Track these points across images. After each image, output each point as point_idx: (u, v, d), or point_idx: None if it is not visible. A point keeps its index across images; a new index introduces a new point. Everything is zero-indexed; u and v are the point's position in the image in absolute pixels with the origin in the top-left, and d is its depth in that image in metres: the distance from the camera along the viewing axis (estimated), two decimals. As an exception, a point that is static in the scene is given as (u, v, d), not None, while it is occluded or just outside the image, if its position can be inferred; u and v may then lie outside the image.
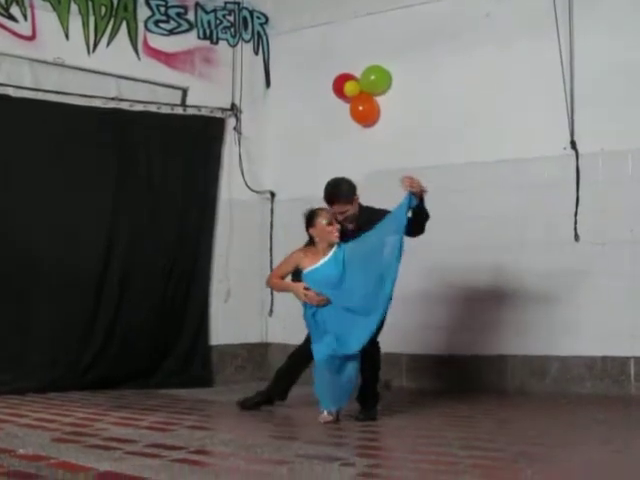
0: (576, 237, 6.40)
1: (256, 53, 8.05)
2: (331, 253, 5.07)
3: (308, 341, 5.25)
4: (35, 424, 4.83)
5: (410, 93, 7.24)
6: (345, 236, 5.15)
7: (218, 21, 7.77)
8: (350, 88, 7.31)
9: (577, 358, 6.37)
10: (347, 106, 7.45)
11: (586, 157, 6.40)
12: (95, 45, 7.03)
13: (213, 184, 7.63)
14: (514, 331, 6.59)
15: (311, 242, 5.20)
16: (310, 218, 5.13)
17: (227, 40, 7.82)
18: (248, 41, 7.97)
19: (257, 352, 7.87)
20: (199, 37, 7.67)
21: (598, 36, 6.34)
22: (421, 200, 5.07)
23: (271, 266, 7.51)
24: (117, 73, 7.15)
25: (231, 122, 7.78)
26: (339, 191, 5.28)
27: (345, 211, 5.25)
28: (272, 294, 7.63)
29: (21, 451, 3.87)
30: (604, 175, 6.35)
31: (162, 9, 7.43)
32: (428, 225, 5.30)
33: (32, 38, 6.69)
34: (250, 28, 7.99)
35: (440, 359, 6.91)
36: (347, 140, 7.45)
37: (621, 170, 6.29)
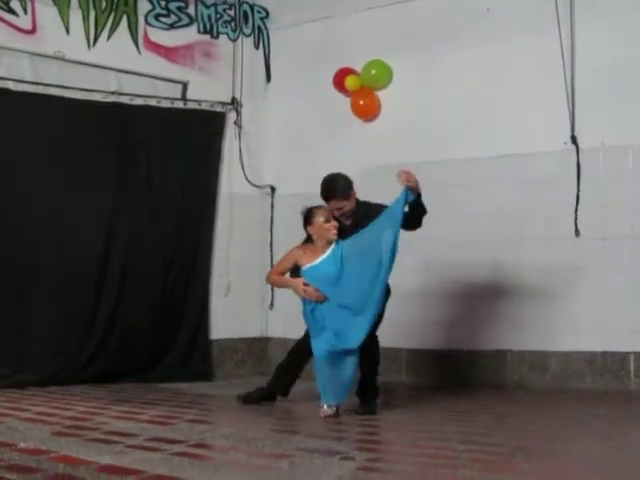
0: (576, 232, 6.40)
1: (256, 47, 8.04)
2: (329, 251, 5.08)
3: (307, 336, 5.25)
4: (36, 418, 4.84)
5: (411, 87, 7.23)
6: (343, 232, 5.14)
7: (218, 15, 7.76)
8: (351, 82, 7.30)
9: (577, 353, 6.37)
10: (348, 101, 7.45)
11: (587, 152, 6.40)
12: (95, 39, 7.02)
13: (213, 178, 7.63)
14: (514, 326, 6.60)
15: (309, 239, 5.21)
16: (308, 217, 5.14)
17: (227, 34, 7.82)
18: (248, 35, 7.96)
19: (257, 346, 7.88)
20: (199, 31, 7.66)
21: (599, 30, 6.33)
22: (418, 195, 5.07)
23: (271, 261, 7.52)
24: (117, 67, 7.15)
25: (231, 116, 7.78)
26: (335, 187, 5.27)
27: (342, 207, 5.25)
28: (272, 289, 7.63)
29: (22, 445, 3.88)
30: (605, 170, 6.35)
31: (162, 3, 7.42)
32: (427, 220, 5.29)
33: (32, 32, 6.68)
34: (250, 22, 7.98)
35: (439, 354, 6.92)
36: (348, 135, 7.45)
37: (622, 165, 6.28)
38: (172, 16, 7.50)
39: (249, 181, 7.82)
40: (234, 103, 7.77)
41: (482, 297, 6.75)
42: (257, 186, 7.92)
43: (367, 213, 5.18)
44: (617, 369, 6.21)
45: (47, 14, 6.74)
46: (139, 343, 7.00)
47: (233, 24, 7.84)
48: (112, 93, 7.08)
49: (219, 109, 7.69)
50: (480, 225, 6.70)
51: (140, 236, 7.11)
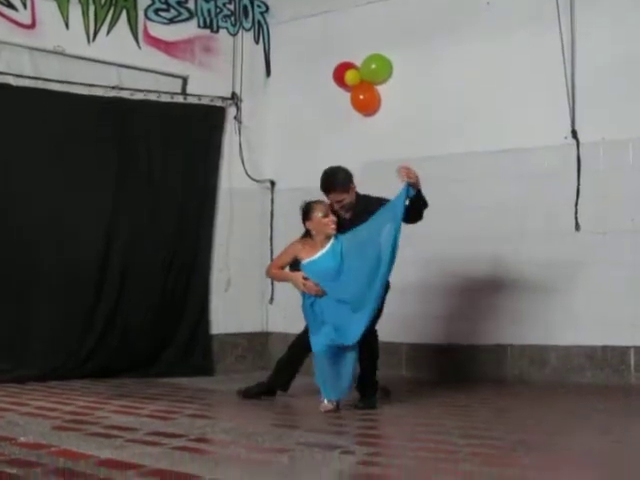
0: (577, 226, 6.39)
1: (256, 42, 8.03)
2: (329, 245, 5.08)
3: (307, 331, 5.26)
4: (36, 412, 4.84)
5: (411, 82, 7.22)
6: (342, 226, 5.15)
7: (218, 9, 7.75)
8: (351, 77, 7.29)
9: (577, 347, 6.37)
10: (348, 95, 7.44)
11: (587, 146, 6.39)
12: (95, 34, 7.01)
13: (213, 173, 7.62)
14: (514, 321, 6.60)
15: (308, 234, 5.21)
16: (306, 211, 5.14)
17: (227, 29, 7.80)
18: (248, 30, 7.95)
19: (257, 341, 7.88)
20: (199, 26, 7.65)
21: (600, 26, 6.32)
22: (418, 190, 5.06)
23: (271, 255, 7.52)
24: (117, 62, 7.14)
25: (231, 111, 7.77)
26: (335, 180, 5.27)
27: (341, 200, 5.25)
28: (272, 283, 7.64)
29: (22, 439, 3.88)
30: (605, 164, 6.34)
31: (162, -3, 7.42)
32: (427, 215, 5.29)
33: (32, 27, 6.67)
34: (250, 17, 7.97)
35: (439, 349, 6.92)
36: (348, 129, 7.44)
37: (622, 159, 6.28)
38: (172, 10, 7.49)
39: (249, 176, 7.82)
40: (234, 98, 7.76)
41: (482, 291, 6.75)
42: (257, 181, 7.92)
43: (367, 206, 5.18)
44: (617, 363, 6.21)
45: (47, 9, 6.73)
46: (139, 338, 7.00)
47: (233, 18, 7.83)
48: (112, 88, 7.07)
49: (219, 104, 7.68)
50: (480, 219, 6.70)
51: (140, 231, 7.11)
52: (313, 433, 4.28)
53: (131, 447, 3.75)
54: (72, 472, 3.25)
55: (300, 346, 5.47)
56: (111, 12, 7.11)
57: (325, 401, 5.08)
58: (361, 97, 7.39)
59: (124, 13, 7.17)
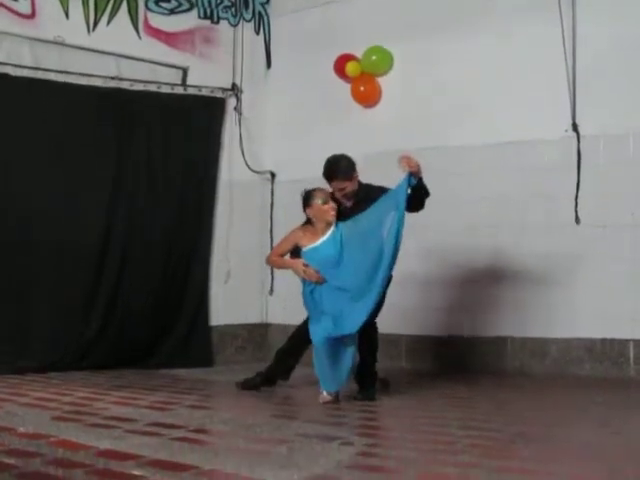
0: (577, 220, 6.39)
1: (257, 33, 8.02)
2: (329, 233, 5.08)
3: (307, 322, 5.26)
4: (35, 403, 4.85)
5: (411, 74, 7.21)
6: (343, 214, 5.15)
7: (219, 0, 7.73)
8: (351, 68, 7.28)
9: (577, 340, 6.38)
10: (348, 87, 7.43)
11: (587, 139, 6.38)
12: (95, 24, 6.99)
13: (213, 164, 7.62)
14: (514, 313, 6.60)
15: (308, 222, 5.21)
16: (306, 199, 5.15)
17: (228, 20, 7.79)
18: (249, 21, 7.93)
19: (257, 332, 7.89)
20: (200, 17, 7.63)
21: (600, 20, 6.30)
22: (420, 179, 5.06)
23: (271, 247, 7.49)
24: (117, 52, 7.13)
25: (231, 102, 7.76)
26: (338, 168, 5.28)
27: (344, 188, 5.26)
28: (272, 274, 7.65)
29: (21, 429, 3.89)
30: (605, 158, 6.34)
31: (163, -12, 7.40)
32: (428, 206, 5.29)
33: (32, 17, 6.65)
34: (251, 8, 7.96)
35: (440, 340, 6.93)
36: (348, 121, 7.43)
37: (622, 153, 6.27)
38: (172, 1, 7.47)
39: (249, 167, 7.81)
40: (234, 89, 7.75)
41: (483, 284, 6.75)
42: (257, 172, 7.91)
43: (369, 195, 5.19)
44: (616, 356, 6.21)
45: (47, -1, 6.72)
46: (139, 329, 7.00)
47: (233, 9, 7.81)
48: (112, 78, 7.05)
49: (219, 95, 7.67)
50: (480, 212, 6.70)
51: (140, 222, 7.11)
52: (312, 424, 4.28)
53: (130, 438, 3.75)
54: (71, 462, 3.26)
55: (300, 337, 5.47)
56: (111, 2, 7.08)
57: (324, 392, 5.08)
58: (362, 89, 7.38)
59: (124, 3, 7.16)
